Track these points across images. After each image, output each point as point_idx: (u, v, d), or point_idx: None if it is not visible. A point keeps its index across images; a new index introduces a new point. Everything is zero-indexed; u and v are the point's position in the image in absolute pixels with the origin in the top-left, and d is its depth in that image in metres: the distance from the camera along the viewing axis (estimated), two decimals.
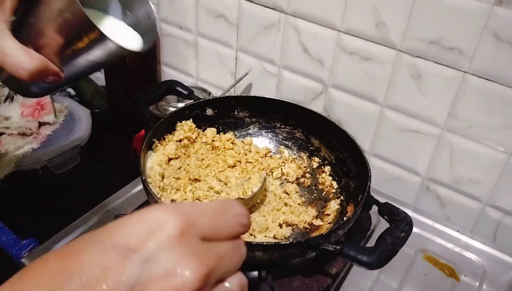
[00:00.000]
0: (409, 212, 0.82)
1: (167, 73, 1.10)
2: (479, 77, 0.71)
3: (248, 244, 0.55)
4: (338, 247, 0.56)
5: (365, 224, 0.78)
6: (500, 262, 0.76)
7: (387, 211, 0.63)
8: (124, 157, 0.97)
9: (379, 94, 0.81)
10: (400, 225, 0.59)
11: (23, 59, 0.44)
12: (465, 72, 0.72)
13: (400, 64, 0.77)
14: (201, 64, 1.02)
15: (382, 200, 0.84)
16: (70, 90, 1.15)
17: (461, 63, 0.71)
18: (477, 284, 0.72)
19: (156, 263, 0.26)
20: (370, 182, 0.66)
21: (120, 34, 0.51)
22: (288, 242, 0.56)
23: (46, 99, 1.02)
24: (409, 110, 0.80)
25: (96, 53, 0.47)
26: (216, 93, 1.02)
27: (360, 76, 0.82)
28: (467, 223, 0.83)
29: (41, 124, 1.00)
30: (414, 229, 0.79)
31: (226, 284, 0.30)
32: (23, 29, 0.46)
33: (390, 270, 0.72)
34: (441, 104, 0.76)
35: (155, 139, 0.72)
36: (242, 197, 0.69)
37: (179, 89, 0.77)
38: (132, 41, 0.52)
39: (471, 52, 0.70)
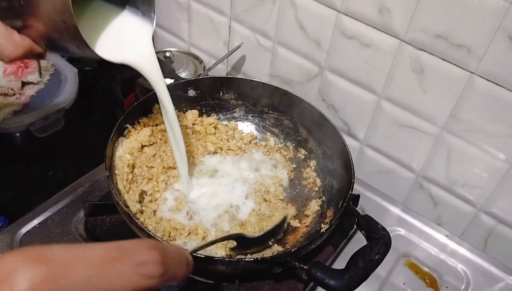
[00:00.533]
0: (398, 211, 0.79)
1: (160, 36, 1.03)
2: (487, 80, 0.63)
3: (210, 259, 0.52)
4: (305, 267, 0.53)
5: (348, 223, 0.74)
6: (486, 273, 0.72)
7: (366, 225, 0.58)
8: (112, 120, 0.93)
9: (378, 85, 0.74)
10: (376, 245, 0.55)
11: (8, 47, 0.44)
12: (472, 72, 0.64)
13: (402, 55, 0.69)
14: (194, 29, 0.95)
15: (370, 195, 0.81)
16: None
17: (469, 62, 0.64)
18: None
19: None
20: (352, 190, 0.61)
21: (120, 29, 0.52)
22: (252, 259, 0.52)
23: None
24: (408, 105, 0.73)
25: (79, 50, 0.47)
26: (209, 61, 0.95)
27: (359, 63, 0.74)
28: (458, 226, 0.79)
29: (24, 84, 0.95)
30: (401, 231, 0.76)
31: None
32: (12, 6, 0.45)
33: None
34: (442, 104, 0.69)
35: (127, 125, 0.67)
36: (244, 234, 0.59)
37: None
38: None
39: (481, 52, 0.62)
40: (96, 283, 0.23)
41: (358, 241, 0.66)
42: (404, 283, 0.69)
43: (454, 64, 0.65)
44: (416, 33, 0.66)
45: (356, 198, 0.73)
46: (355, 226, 0.74)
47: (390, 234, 0.57)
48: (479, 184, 0.73)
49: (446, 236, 0.76)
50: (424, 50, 0.67)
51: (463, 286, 0.70)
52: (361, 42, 0.72)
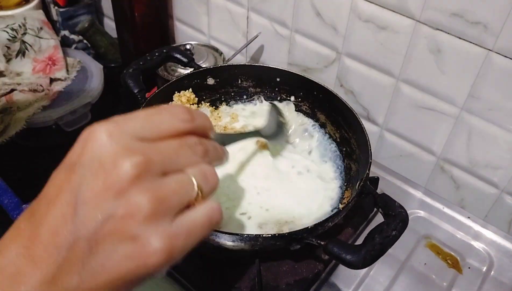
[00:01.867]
0: (419, 194, 0.79)
1: (180, 30, 1.05)
2: (505, 56, 0.63)
3: (230, 235, 0.53)
4: (322, 242, 0.54)
5: (367, 206, 0.74)
6: (510, 254, 0.71)
7: (383, 203, 0.58)
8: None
9: (395, 67, 0.75)
10: (393, 222, 0.55)
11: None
12: (489, 50, 0.64)
13: (418, 36, 0.69)
14: (213, 22, 0.97)
15: (391, 178, 0.81)
16: (86, 41, 1.13)
17: (485, 40, 0.63)
18: (481, 278, 0.68)
19: (92, 166, 0.29)
20: (369, 170, 0.62)
21: None
22: (270, 235, 0.53)
23: (58, 54, 1.01)
24: (426, 86, 0.73)
25: None
26: (228, 53, 0.97)
27: (376, 46, 0.75)
28: (481, 208, 0.78)
29: (52, 80, 0.99)
30: (421, 213, 0.76)
31: (187, 172, 0.31)
32: None
33: (388, 257, 0.68)
34: (461, 83, 0.69)
35: None
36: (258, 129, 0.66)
37: (178, 56, 0.74)
38: None
39: (498, 29, 0.61)
40: (148, 127, 0.31)
41: (378, 223, 0.66)
42: (425, 264, 0.69)
43: (471, 42, 0.65)
44: (431, 12, 0.66)
45: (376, 180, 0.73)
46: (374, 209, 0.75)
47: (411, 216, 0.57)
48: (501, 164, 0.72)
49: (469, 217, 0.75)
50: (440, 30, 0.67)
51: (486, 267, 0.69)
52: (377, 24, 0.72)
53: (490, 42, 0.63)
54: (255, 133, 0.63)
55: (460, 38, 0.65)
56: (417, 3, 0.66)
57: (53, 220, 0.29)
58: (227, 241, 0.54)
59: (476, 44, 0.65)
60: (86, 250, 0.28)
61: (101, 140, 0.29)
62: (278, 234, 0.54)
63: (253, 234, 0.54)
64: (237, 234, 0.53)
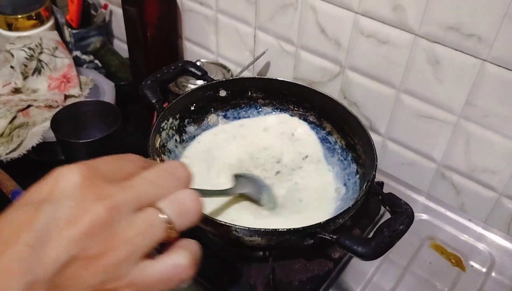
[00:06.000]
0: (422, 199, 0.82)
1: (189, 49, 1.10)
2: (498, 66, 0.68)
3: (246, 230, 0.57)
4: (334, 236, 0.57)
5: (374, 209, 0.78)
6: (510, 253, 0.75)
7: (389, 201, 0.62)
8: (148, 129, 1.00)
9: (396, 79, 0.80)
10: (400, 217, 0.59)
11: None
12: (483, 60, 0.69)
13: (417, 49, 0.74)
14: (221, 40, 1.02)
15: (394, 184, 0.85)
16: (96, 61, 1.18)
17: (480, 50, 0.69)
18: (483, 275, 0.71)
19: (64, 205, 0.28)
20: (375, 171, 0.66)
21: None
22: (285, 230, 0.57)
23: (72, 72, 1.05)
24: (426, 96, 0.78)
25: None
26: (235, 70, 1.02)
27: (377, 60, 0.80)
28: (481, 212, 0.82)
29: (67, 97, 1.03)
30: (424, 216, 0.79)
31: (157, 205, 0.30)
32: None
33: (394, 257, 0.72)
34: (458, 92, 0.74)
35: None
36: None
37: (193, 70, 0.78)
38: None
39: (491, 40, 0.67)
40: (117, 167, 0.32)
41: None
42: (430, 263, 0.72)
43: (467, 54, 0.70)
44: (429, 27, 0.71)
45: (380, 185, 0.77)
46: (380, 212, 0.78)
47: (415, 219, 0.61)
48: (498, 169, 0.76)
49: (470, 220, 0.79)
50: (438, 43, 0.72)
51: (488, 265, 0.73)
52: (378, 39, 0.78)
53: (484, 52, 0.68)
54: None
55: (456, 49, 0.71)
56: (415, 18, 0.72)
57: (8, 262, 0.26)
58: (245, 236, 0.57)
59: (471, 55, 0.70)
60: None
61: (74, 180, 0.29)
62: (293, 229, 0.57)
63: (269, 228, 0.57)
64: (254, 228, 0.57)
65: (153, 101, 0.72)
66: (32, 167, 0.96)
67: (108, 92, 1.06)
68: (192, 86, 0.92)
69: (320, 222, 0.58)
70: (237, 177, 0.70)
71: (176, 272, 0.30)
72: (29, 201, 0.29)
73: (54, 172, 0.30)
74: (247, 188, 0.68)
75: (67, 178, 0.29)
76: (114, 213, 0.28)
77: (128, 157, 0.33)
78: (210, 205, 0.66)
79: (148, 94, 0.72)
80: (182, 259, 0.30)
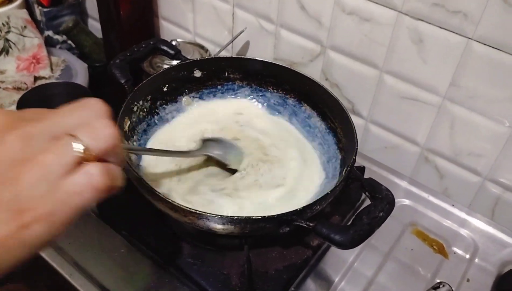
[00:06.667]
0: (404, 184, 0.80)
1: (166, 28, 1.06)
2: (484, 44, 0.65)
3: (219, 217, 0.54)
4: (311, 224, 0.54)
5: (355, 195, 0.75)
6: (494, 239, 0.73)
7: (370, 187, 0.59)
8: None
9: (379, 59, 0.76)
10: (380, 203, 0.56)
11: None
12: (469, 38, 0.66)
13: (401, 27, 0.71)
14: (198, 19, 0.98)
15: (377, 169, 0.82)
16: (70, 42, 1.13)
17: (465, 28, 0.65)
18: (466, 262, 0.69)
19: None
20: (355, 155, 0.63)
21: None
22: (259, 217, 0.54)
23: (42, 53, 1.00)
24: (409, 76, 0.74)
25: None
26: (214, 50, 0.98)
27: (360, 39, 0.76)
28: (465, 196, 0.79)
29: (36, 78, 0.98)
30: (407, 201, 0.77)
31: (72, 133, 0.31)
32: None
33: (375, 243, 0.70)
34: (442, 72, 0.71)
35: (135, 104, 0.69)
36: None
37: (165, 48, 0.74)
38: None
39: (477, 17, 0.64)
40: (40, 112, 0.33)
41: None
42: (412, 250, 0.70)
43: (452, 31, 0.67)
44: (413, 3, 0.68)
45: (361, 169, 0.74)
46: (361, 198, 0.76)
47: (396, 205, 0.58)
48: (483, 152, 0.74)
49: (453, 205, 0.77)
50: (422, 20, 0.68)
51: (471, 252, 0.70)
52: (360, 17, 0.74)
53: (470, 30, 0.65)
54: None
55: (441, 27, 0.67)
56: None
57: None
58: (217, 224, 0.54)
59: (456, 33, 0.67)
60: None
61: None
62: (268, 216, 0.54)
63: (242, 216, 0.54)
64: (226, 216, 0.53)
65: (122, 81, 0.68)
66: None
67: (81, 74, 1.02)
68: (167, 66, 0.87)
69: (297, 209, 0.55)
70: (204, 141, 0.70)
71: (88, 180, 0.31)
72: None
73: None
74: (213, 150, 0.68)
75: None
76: (27, 140, 0.30)
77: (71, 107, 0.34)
78: (182, 187, 0.62)
79: (117, 73, 0.68)
80: (93, 168, 0.31)
